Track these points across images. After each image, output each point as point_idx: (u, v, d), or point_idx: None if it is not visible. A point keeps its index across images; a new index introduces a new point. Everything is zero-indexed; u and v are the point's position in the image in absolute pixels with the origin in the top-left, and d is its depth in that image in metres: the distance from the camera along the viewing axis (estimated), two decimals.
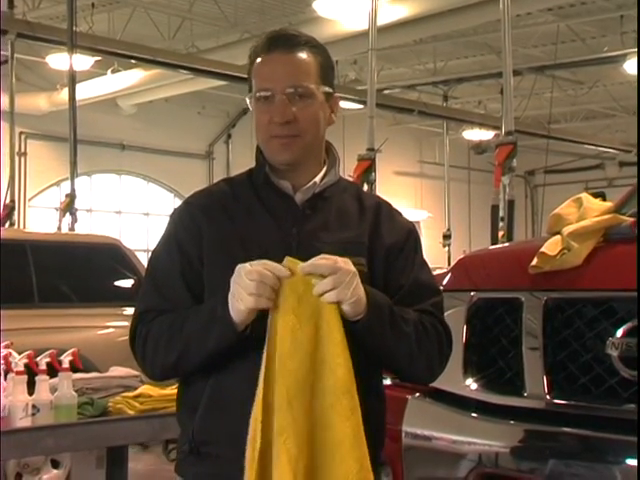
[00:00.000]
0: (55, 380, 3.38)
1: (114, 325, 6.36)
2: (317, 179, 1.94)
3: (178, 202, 17.69)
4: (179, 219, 1.96)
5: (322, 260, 1.75)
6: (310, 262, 1.76)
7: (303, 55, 1.90)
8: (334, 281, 1.73)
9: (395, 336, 1.82)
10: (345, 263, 1.76)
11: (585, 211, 2.68)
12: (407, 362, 1.87)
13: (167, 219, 2.01)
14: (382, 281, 1.91)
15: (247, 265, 1.75)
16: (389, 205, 2.02)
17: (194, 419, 1.88)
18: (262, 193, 1.94)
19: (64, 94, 12.83)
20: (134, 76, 14.60)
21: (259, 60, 1.91)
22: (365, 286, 1.80)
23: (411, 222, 2.04)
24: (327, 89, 1.93)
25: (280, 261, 1.79)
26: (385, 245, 1.93)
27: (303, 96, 1.88)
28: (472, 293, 2.75)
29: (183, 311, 1.86)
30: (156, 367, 1.90)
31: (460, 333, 2.67)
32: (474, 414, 2.62)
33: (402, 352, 1.85)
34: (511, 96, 7.86)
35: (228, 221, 1.91)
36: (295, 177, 1.93)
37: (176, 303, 1.89)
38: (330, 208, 1.93)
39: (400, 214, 2.04)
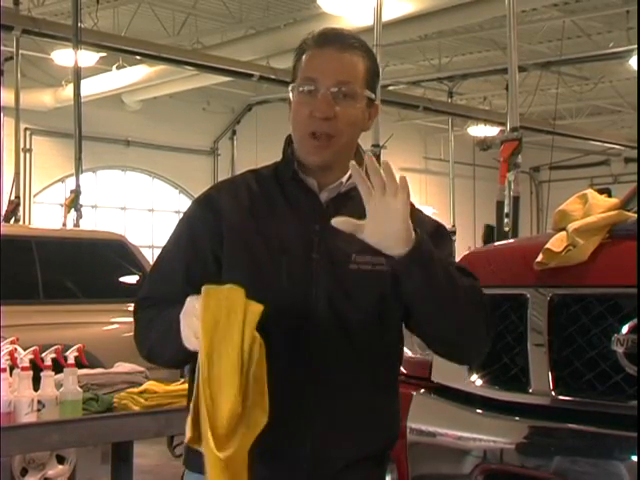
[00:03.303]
0: (60, 376, 3.39)
1: (119, 321, 6.38)
2: (344, 179, 1.92)
3: (183, 198, 17.80)
4: (198, 210, 1.94)
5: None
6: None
7: (354, 57, 1.88)
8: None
9: (447, 283, 1.74)
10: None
11: (590, 207, 2.68)
12: (455, 323, 1.79)
13: (173, 214, 2.00)
14: None
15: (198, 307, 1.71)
16: (413, 206, 1.95)
17: None
18: (287, 188, 1.92)
19: (69, 90, 12.85)
20: (139, 72, 14.60)
21: (309, 53, 1.89)
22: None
23: (438, 222, 1.98)
24: (371, 94, 1.92)
25: (301, 258, 1.82)
26: None
27: (347, 96, 1.86)
28: None
29: (165, 310, 1.86)
30: (142, 354, 1.97)
31: None
32: (479, 410, 2.61)
33: (451, 307, 1.77)
34: (516, 92, 7.85)
35: (250, 215, 1.89)
36: (322, 175, 1.91)
37: (174, 296, 1.87)
38: (354, 208, 1.88)
39: (427, 216, 1.98)
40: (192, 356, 1.73)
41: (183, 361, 1.88)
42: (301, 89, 1.88)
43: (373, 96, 1.92)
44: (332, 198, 1.91)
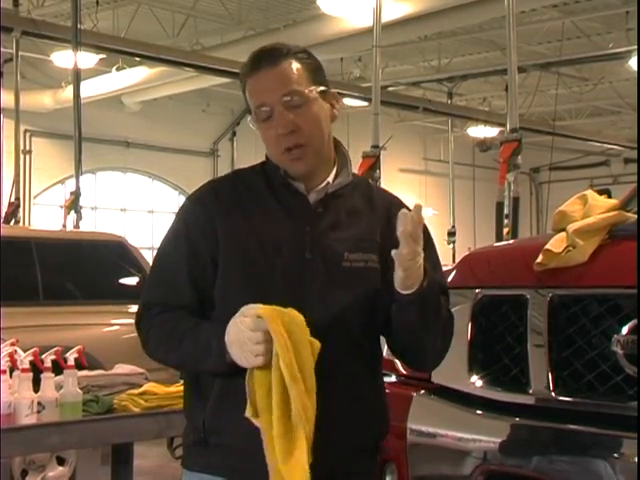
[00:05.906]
0: (60, 377, 3.39)
1: (119, 322, 6.37)
2: (330, 179, 1.96)
3: (183, 199, 17.71)
4: (191, 213, 1.96)
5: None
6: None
7: (286, 64, 1.92)
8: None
9: (435, 316, 1.89)
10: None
11: (590, 208, 2.68)
12: (431, 345, 1.95)
13: (172, 216, 2.02)
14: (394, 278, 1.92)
15: (247, 321, 1.75)
16: (400, 202, 2.02)
17: (205, 410, 1.89)
18: (276, 190, 1.95)
19: (69, 92, 12.84)
20: (139, 74, 14.60)
21: (249, 82, 1.95)
22: None
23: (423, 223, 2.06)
24: (320, 88, 1.95)
25: (295, 258, 1.86)
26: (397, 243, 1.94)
27: (298, 102, 1.90)
28: (477, 290, 2.75)
29: (184, 321, 1.89)
30: (156, 361, 1.99)
31: (465, 330, 2.67)
32: (479, 411, 2.61)
33: (433, 334, 1.92)
34: (516, 93, 7.86)
35: (243, 218, 1.92)
36: (309, 178, 1.95)
37: (180, 298, 1.91)
38: (341, 207, 1.96)
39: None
40: (239, 369, 1.78)
41: (224, 373, 1.86)
42: (257, 115, 1.93)
43: (324, 87, 1.96)
44: (320, 199, 1.95)
